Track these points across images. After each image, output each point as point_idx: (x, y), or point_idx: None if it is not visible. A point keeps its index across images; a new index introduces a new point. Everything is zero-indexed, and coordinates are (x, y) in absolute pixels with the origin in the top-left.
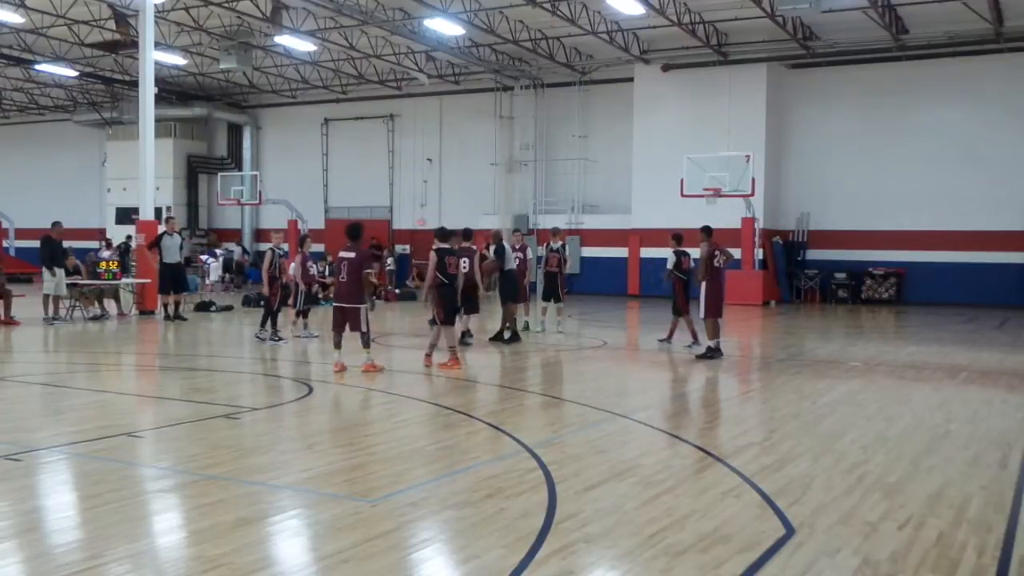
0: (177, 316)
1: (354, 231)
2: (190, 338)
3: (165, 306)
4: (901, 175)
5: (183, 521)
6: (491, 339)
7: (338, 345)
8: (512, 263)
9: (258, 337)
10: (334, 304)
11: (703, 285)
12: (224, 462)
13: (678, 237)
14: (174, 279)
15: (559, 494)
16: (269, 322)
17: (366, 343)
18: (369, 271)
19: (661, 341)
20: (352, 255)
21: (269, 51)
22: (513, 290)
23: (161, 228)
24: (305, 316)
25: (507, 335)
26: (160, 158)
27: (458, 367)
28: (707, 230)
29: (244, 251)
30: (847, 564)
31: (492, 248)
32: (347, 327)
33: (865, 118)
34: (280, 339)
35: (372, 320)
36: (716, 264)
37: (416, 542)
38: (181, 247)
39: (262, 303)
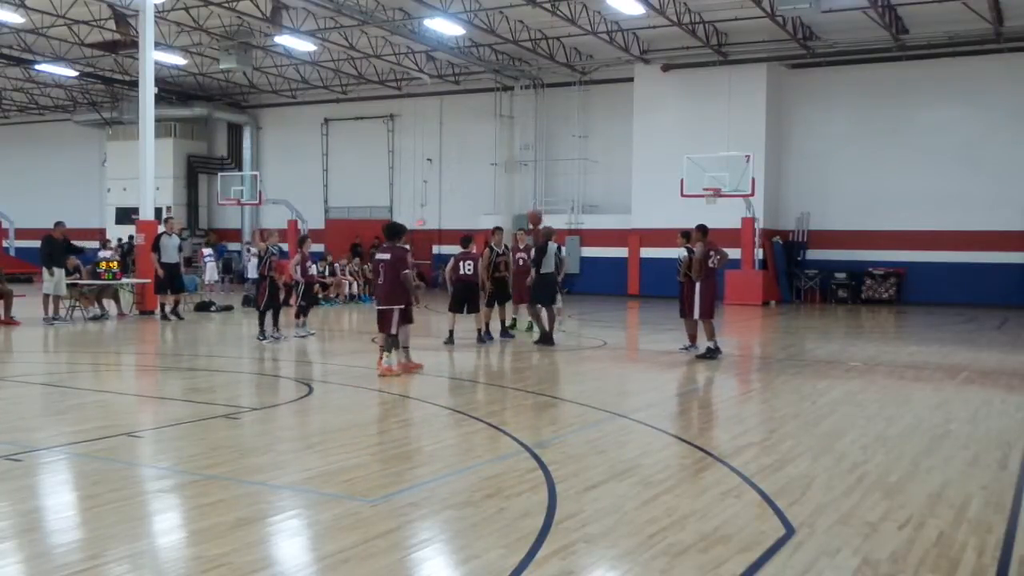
0: (175, 315)
1: (391, 231)
2: (190, 338)
3: (162, 306)
4: (901, 175)
5: (183, 521)
6: (536, 342)
7: (385, 347)
8: (551, 266)
9: (260, 338)
10: (378, 307)
11: (697, 285)
12: (224, 462)
13: (688, 234)
14: (171, 279)
15: (559, 494)
16: (269, 321)
17: (389, 347)
18: (407, 271)
19: (685, 349)
20: (388, 256)
21: (269, 51)
22: (548, 293)
23: (160, 228)
24: (304, 315)
25: (518, 333)
26: (160, 158)
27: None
28: (703, 229)
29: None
30: (847, 564)
31: (534, 246)
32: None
33: (865, 118)
34: (276, 337)
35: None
36: (711, 265)
37: (416, 542)
38: (180, 248)
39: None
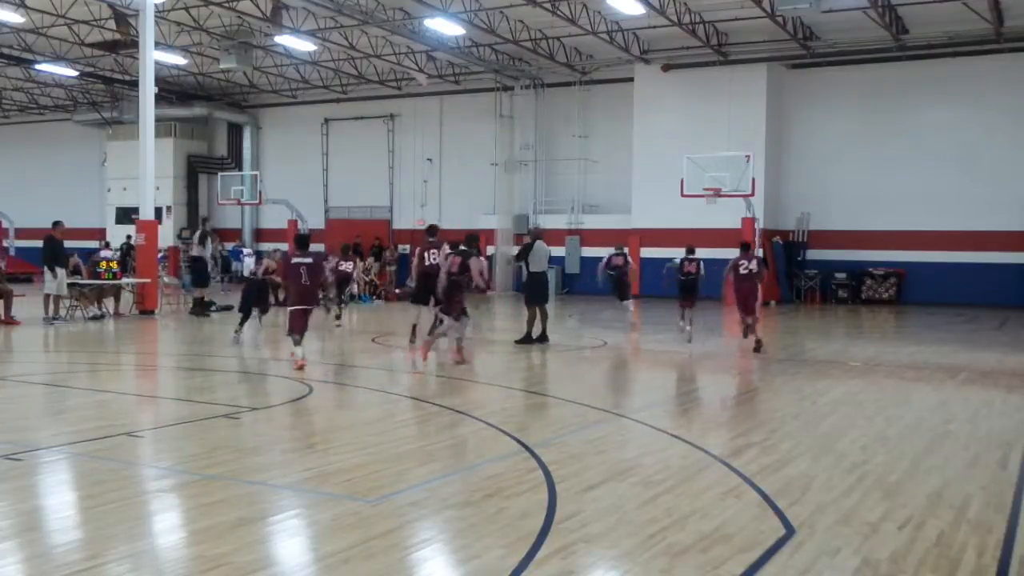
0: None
1: (303, 241)
2: (190, 338)
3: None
4: (901, 175)
5: (183, 521)
6: (517, 342)
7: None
8: (543, 265)
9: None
10: (296, 307)
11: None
12: (224, 462)
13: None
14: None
15: (559, 494)
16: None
17: (298, 342)
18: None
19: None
20: (310, 260)
21: (269, 51)
22: (541, 293)
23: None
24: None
25: (535, 335)
26: (160, 158)
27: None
28: (746, 246)
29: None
30: (847, 564)
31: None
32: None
33: (865, 118)
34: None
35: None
36: (742, 272)
37: (416, 542)
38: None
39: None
